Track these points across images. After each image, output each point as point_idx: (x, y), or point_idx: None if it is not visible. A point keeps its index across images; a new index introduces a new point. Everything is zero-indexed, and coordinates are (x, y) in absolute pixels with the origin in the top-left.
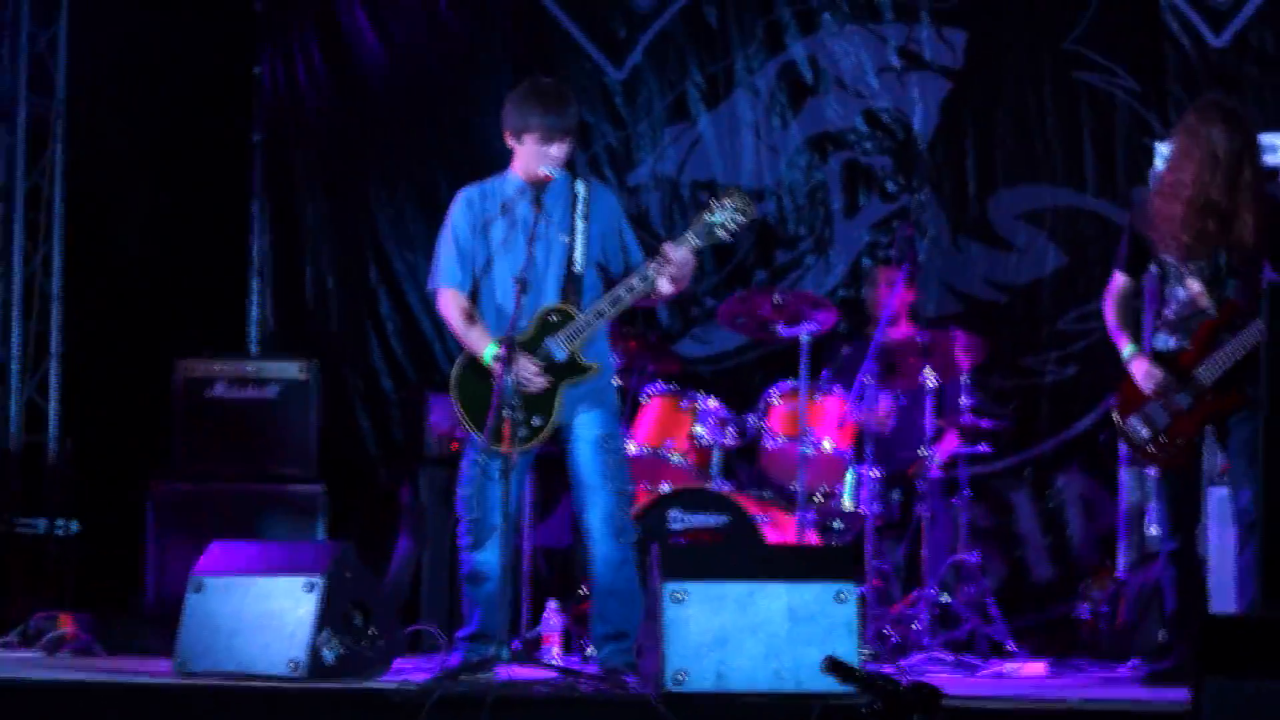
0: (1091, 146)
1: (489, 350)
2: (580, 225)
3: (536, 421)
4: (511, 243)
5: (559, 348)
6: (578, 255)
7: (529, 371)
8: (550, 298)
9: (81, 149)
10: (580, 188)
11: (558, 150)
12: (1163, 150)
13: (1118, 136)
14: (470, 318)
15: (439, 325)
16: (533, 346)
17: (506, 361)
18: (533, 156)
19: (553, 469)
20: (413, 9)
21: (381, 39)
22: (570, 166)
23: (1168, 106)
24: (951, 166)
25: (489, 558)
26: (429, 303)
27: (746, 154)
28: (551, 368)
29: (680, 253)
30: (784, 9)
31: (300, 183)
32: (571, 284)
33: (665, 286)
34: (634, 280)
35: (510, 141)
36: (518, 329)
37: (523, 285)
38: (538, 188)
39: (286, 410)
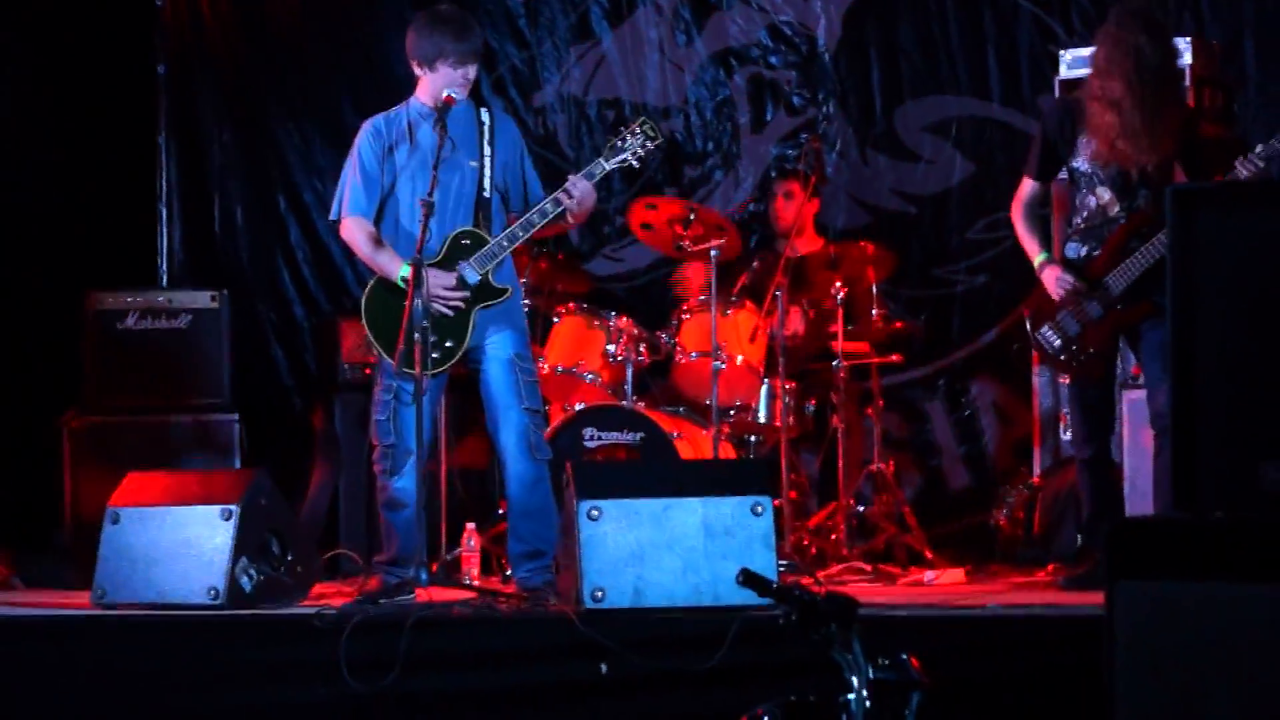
0: (995, 56)
1: (402, 270)
2: (488, 151)
3: (450, 344)
4: (418, 168)
5: (472, 271)
6: (486, 180)
7: (446, 288)
8: (461, 222)
9: None
10: (485, 115)
11: (472, 73)
12: (1066, 57)
13: (1021, 45)
14: (378, 242)
15: (350, 253)
16: (445, 269)
17: (415, 284)
18: (445, 82)
19: (467, 391)
20: None
21: None
22: (475, 92)
23: (1071, 14)
24: (856, 79)
25: (405, 483)
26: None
27: (651, 71)
28: (465, 288)
29: (582, 185)
30: None
31: (206, 114)
32: (482, 209)
33: (568, 218)
34: (545, 205)
35: (418, 70)
36: (428, 252)
37: (429, 208)
38: (443, 113)
39: (199, 340)
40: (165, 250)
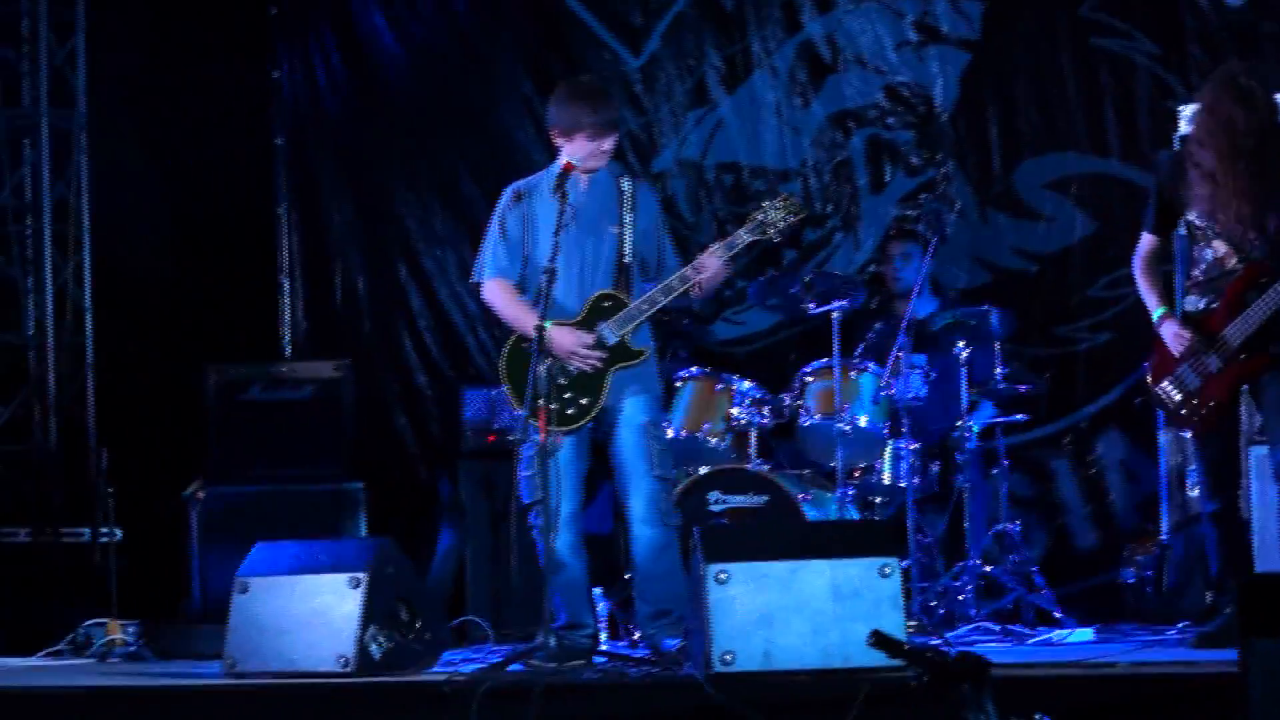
0: (1114, 112)
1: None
2: (628, 218)
3: (585, 401)
4: (558, 234)
5: (610, 332)
6: (627, 246)
7: (584, 345)
8: (601, 285)
9: (105, 160)
10: (626, 184)
11: (608, 145)
12: (1185, 112)
13: (1139, 101)
14: (518, 301)
15: (471, 320)
16: (584, 330)
17: (540, 348)
18: (582, 153)
19: (594, 455)
20: (429, 7)
21: (399, 38)
22: (619, 158)
23: (1188, 68)
24: (975, 138)
25: (560, 544)
26: (460, 298)
27: (769, 135)
28: (603, 349)
29: (711, 263)
30: None
31: (325, 184)
32: (622, 274)
33: (695, 289)
34: (687, 271)
35: (558, 140)
36: (569, 313)
37: (551, 275)
38: (562, 181)
39: (322, 410)
40: (288, 321)
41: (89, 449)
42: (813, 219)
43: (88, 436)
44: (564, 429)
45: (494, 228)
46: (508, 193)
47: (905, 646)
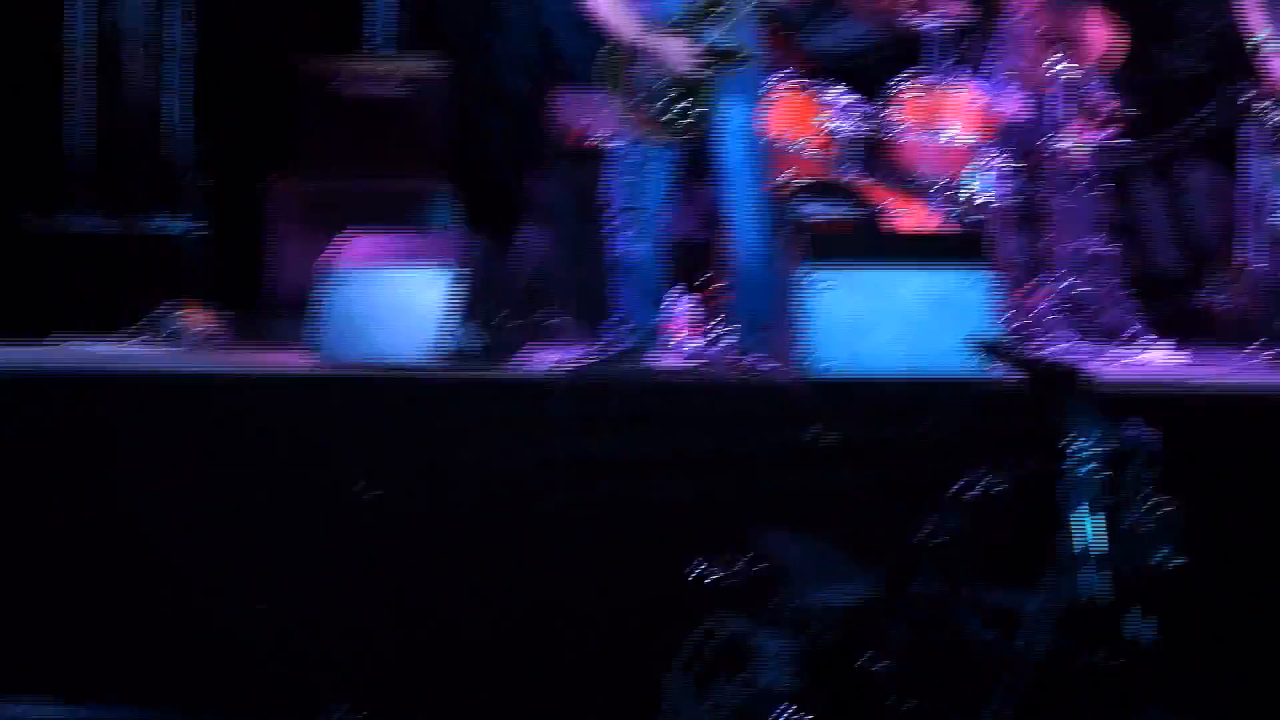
0: None
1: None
2: None
3: (694, 109)
4: None
5: (715, 34)
6: None
7: (683, 53)
8: None
9: None
10: None
11: None
12: None
13: None
14: (615, 2)
15: (566, 21)
16: (685, 32)
17: (647, 49)
18: None
19: (688, 160)
20: None
21: None
22: None
23: None
24: None
25: (643, 247)
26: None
27: None
28: (708, 54)
29: None
30: None
31: None
32: None
33: None
34: None
35: None
36: (667, 13)
37: None
38: None
39: (415, 108)
40: (381, 14)
41: (173, 138)
42: None
43: (173, 125)
44: (674, 137)
45: None
46: None
47: (1012, 352)
